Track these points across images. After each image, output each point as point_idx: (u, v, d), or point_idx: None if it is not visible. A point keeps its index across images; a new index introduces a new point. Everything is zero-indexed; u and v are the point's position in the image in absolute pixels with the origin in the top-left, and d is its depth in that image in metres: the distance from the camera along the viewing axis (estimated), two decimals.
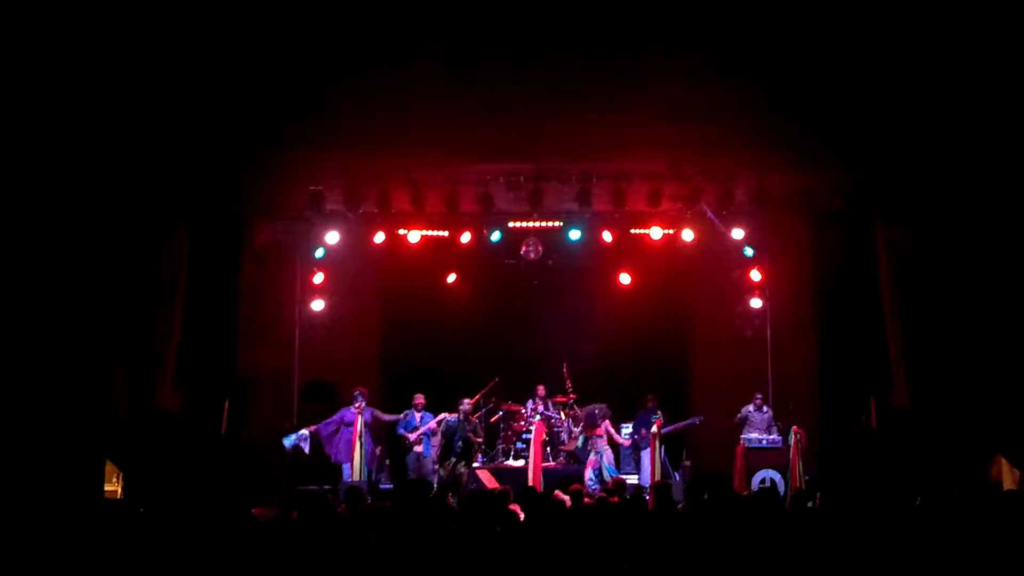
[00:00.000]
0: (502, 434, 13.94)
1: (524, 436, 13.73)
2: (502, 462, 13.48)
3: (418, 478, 12.39)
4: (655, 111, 9.13)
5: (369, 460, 12.93)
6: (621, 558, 6.12)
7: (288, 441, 12.61)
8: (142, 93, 8.27)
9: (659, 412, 13.62)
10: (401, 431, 13.27)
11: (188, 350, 11.27)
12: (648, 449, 13.35)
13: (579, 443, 12.98)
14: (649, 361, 14.40)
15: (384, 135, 9.95)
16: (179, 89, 8.25)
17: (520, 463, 13.27)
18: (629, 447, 14.04)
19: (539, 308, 14.44)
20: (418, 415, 13.38)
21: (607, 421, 12.98)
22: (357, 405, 12.82)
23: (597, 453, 12.85)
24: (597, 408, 13.04)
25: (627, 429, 14.04)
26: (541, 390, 14.09)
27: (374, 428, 13.18)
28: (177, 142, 9.41)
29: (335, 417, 12.94)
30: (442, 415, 12.96)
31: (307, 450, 12.74)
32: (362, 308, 14.14)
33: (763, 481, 12.47)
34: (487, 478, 13.08)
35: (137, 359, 10.83)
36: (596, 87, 8.56)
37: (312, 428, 12.79)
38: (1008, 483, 10.68)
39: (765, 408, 13.30)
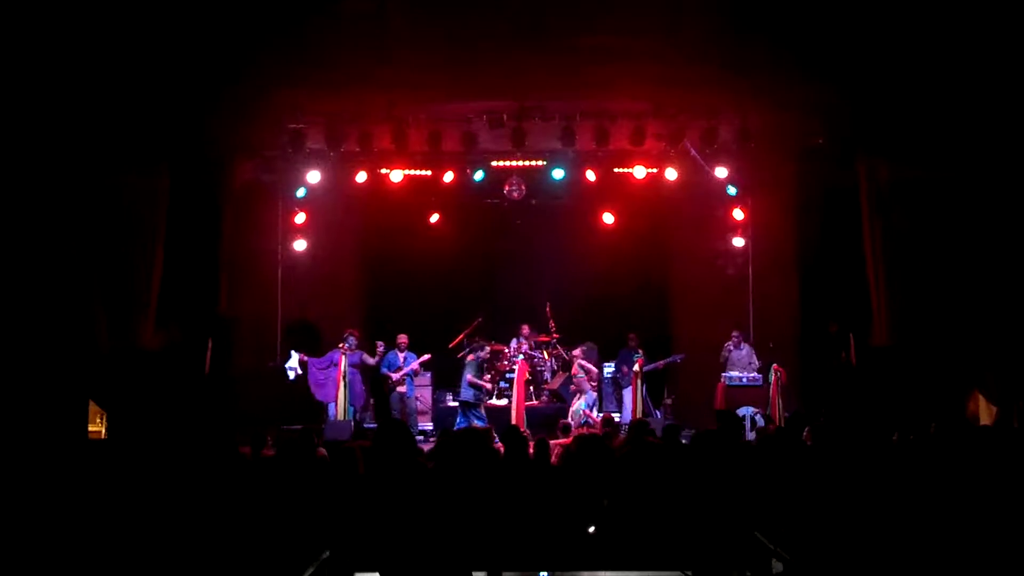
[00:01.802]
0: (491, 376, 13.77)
1: (508, 375, 13.69)
2: (486, 401, 13.34)
3: (401, 418, 12.47)
4: (638, 47, 9.21)
5: (355, 400, 12.78)
6: (602, 493, 6.11)
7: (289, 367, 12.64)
8: (117, 26, 8.30)
9: (640, 351, 13.59)
10: (384, 371, 13.17)
11: (170, 290, 11.22)
12: (630, 387, 13.37)
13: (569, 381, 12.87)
14: (632, 300, 14.30)
15: (364, 70, 9.93)
16: (155, 20, 8.25)
17: (504, 402, 13.21)
18: (610, 385, 14.04)
19: (522, 248, 14.39)
20: (401, 355, 13.32)
21: (582, 358, 12.91)
22: (342, 346, 12.69)
23: (581, 392, 12.80)
24: (587, 345, 13.09)
25: (609, 368, 14.04)
26: (525, 329, 14.02)
27: (365, 370, 13.09)
28: (154, 78, 9.36)
29: (327, 357, 12.88)
30: (425, 356, 13.07)
31: (291, 376, 12.76)
32: (344, 248, 14.02)
33: (742, 419, 12.30)
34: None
35: (119, 299, 10.82)
36: (578, 22, 8.65)
37: (303, 357, 12.73)
38: (984, 419, 10.78)
39: (743, 346, 13.25)
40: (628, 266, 14.28)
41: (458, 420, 12.52)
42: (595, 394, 12.77)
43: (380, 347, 12.97)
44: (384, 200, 13.69)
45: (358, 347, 12.99)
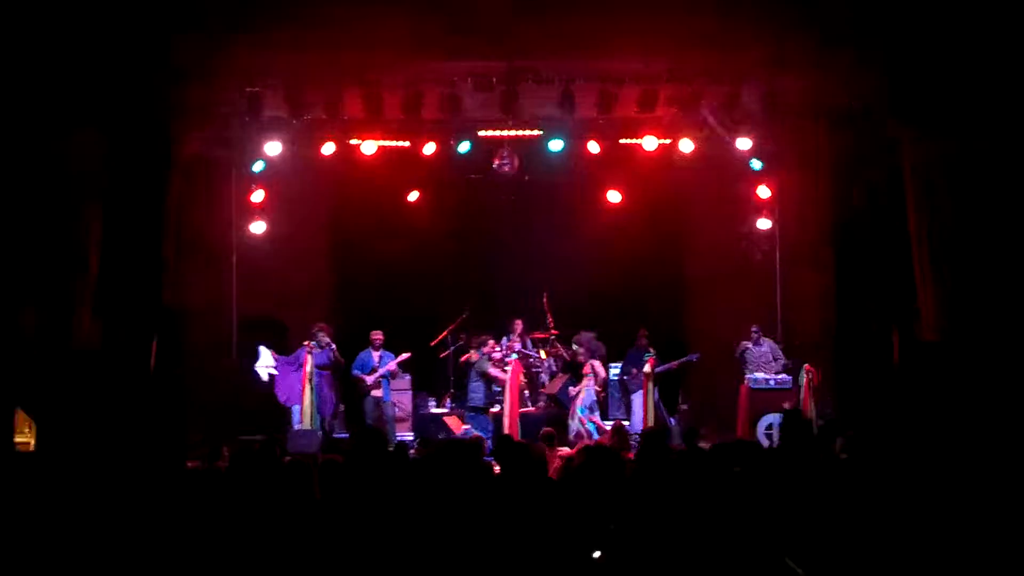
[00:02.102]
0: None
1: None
2: (495, 407, 13.33)
3: (376, 426, 12.42)
4: None
5: (322, 406, 12.82)
6: (609, 516, 5.99)
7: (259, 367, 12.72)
8: None
9: (652, 349, 13.58)
10: (356, 372, 13.16)
11: (109, 279, 11.01)
12: (640, 392, 13.37)
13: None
14: (641, 292, 14.35)
15: (333, 25, 9.84)
16: None
17: (495, 409, 13.12)
18: (617, 389, 14.13)
19: (515, 231, 14.43)
20: (375, 354, 13.26)
21: (586, 353, 13.00)
22: (308, 344, 12.67)
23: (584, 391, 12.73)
24: (589, 336, 13.08)
25: (615, 369, 14.04)
26: (518, 325, 13.99)
27: (335, 371, 13.17)
28: (88, 25, 9.12)
29: (292, 356, 12.95)
30: (404, 355, 13.04)
31: (265, 377, 12.92)
32: (309, 231, 14.05)
33: (769, 427, 12.34)
34: (456, 425, 13.22)
35: (49, 290, 10.59)
36: None
37: (274, 355, 12.82)
38: None
39: (764, 341, 13.25)
40: (637, 252, 14.33)
41: (467, 427, 12.66)
42: (595, 395, 12.82)
43: (309, 346, 12.71)
44: (355, 175, 13.70)
45: (327, 344, 12.95)
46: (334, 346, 12.97)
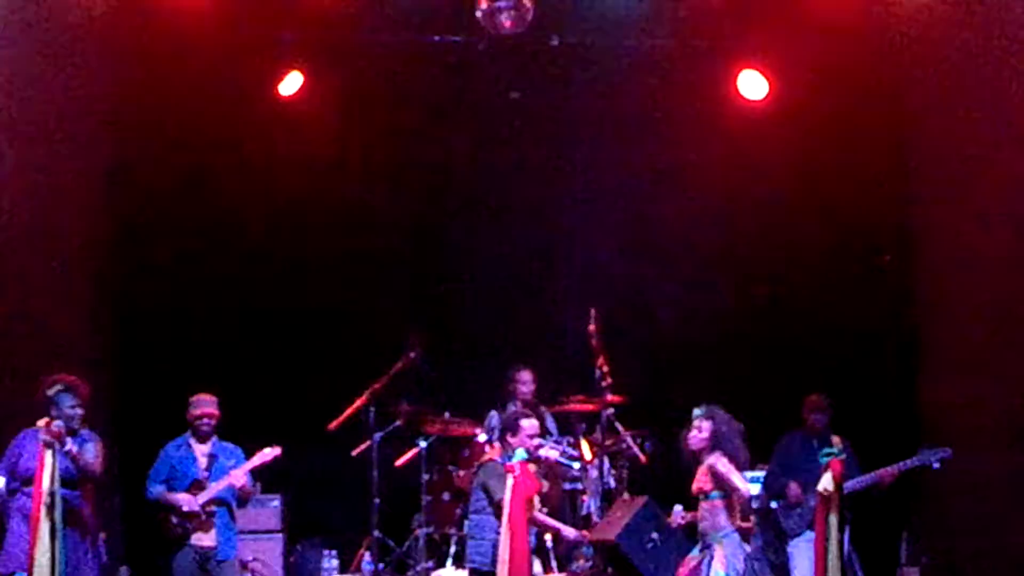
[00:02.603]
0: (429, 501, 11.89)
1: (479, 505, 10.77)
2: (426, 571, 11.49)
3: None
4: None
5: (80, 569, 10.29)
6: None
7: None
8: None
9: (837, 440, 11.12)
10: (156, 491, 10.70)
11: None
12: (806, 535, 11.09)
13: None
14: (810, 302, 12.66)
15: None
16: None
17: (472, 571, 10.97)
18: (759, 528, 11.51)
19: (524, 173, 12.77)
20: (201, 449, 10.88)
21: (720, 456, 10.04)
22: (45, 423, 9.87)
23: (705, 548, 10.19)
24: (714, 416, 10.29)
25: (753, 485, 11.14)
26: (521, 382, 11.84)
27: (103, 488, 11.06)
28: None
29: (8, 454, 10.56)
30: (268, 451, 10.79)
31: None
32: (60, 168, 11.64)
33: None
34: None
35: None
36: None
37: None
38: None
39: None
40: (803, 214, 12.43)
41: None
42: (739, 548, 10.21)
43: (48, 430, 10.09)
44: (160, 46, 11.98)
45: (75, 424, 10.37)
46: (91, 438, 10.34)
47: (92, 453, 10.31)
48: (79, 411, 10.27)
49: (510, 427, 10.52)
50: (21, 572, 9.94)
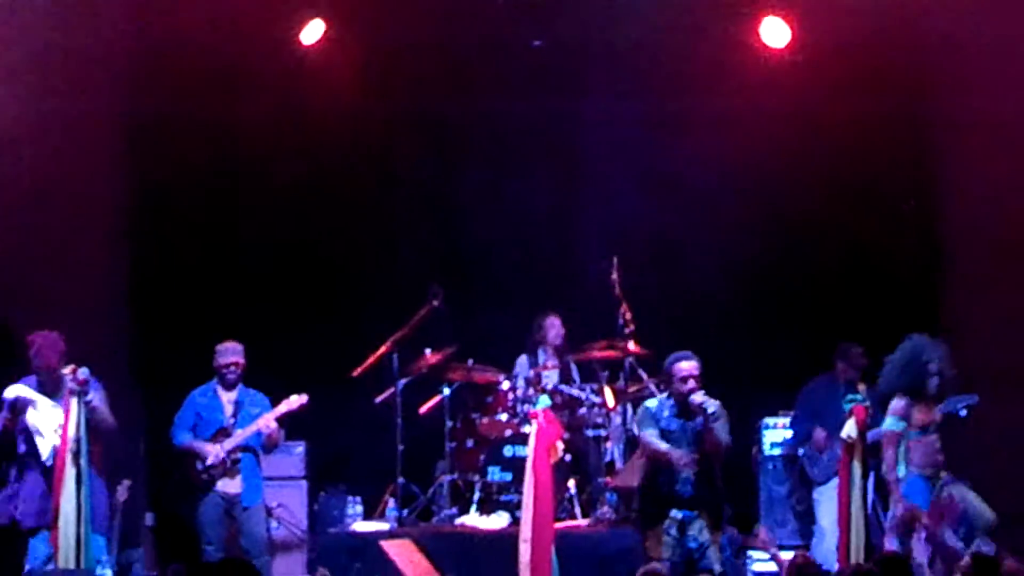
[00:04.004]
0: (453, 448, 12.06)
1: (506, 451, 11.85)
2: (450, 518, 11.71)
3: (234, 557, 10.64)
4: None
5: (102, 518, 10.76)
6: None
7: None
8: None
9: (863, 388, 11.51)
10: (183, 440, 10.97)
11: None
12: (831, 481, 11.29)
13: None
14: (834, 249, 12.76)
15: None
16: None
17: (499, 520, 11.51)
18: (783, 475, 12.31)
19: (545, 115, 12.81)
20: (227, 396, 11.07)
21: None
22: (75, 372, 10.11)
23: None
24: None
25: (775, 431, 12.21)
26: (551, 328, 12.19)
27: (113, 439, 10.97)
28: None
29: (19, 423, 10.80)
30: (294, 398, 10.98)
31: (46, 457, 10.75)
32: (84, 118, 11.80)
33: None
34: (407, 557, 11.20)
35: None
36: None
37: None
38: None
39: None
40: (826, 165, 12.45)
41: None
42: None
43: (75, 376, 10.44)
44: None
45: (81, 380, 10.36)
46: (94, 385, 10.36)
47: (102, 403, 10.44)
48: (88, 383, 10.27)
49: (665, 370, 10.54)
50: (40, 525, 10.29)
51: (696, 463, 10.52)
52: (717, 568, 10.54)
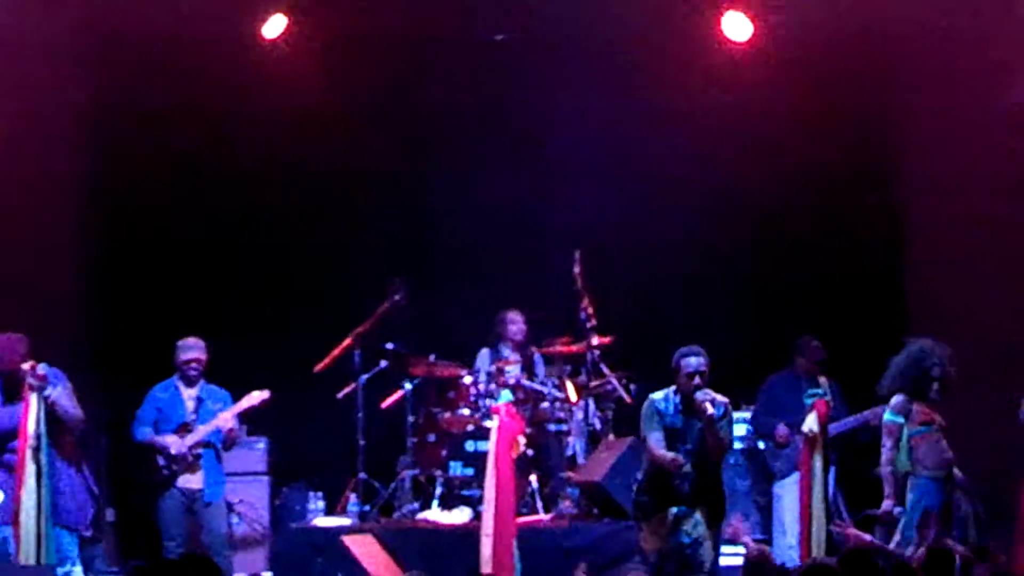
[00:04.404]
0: (415, 443, 12.11)
1: (468, 446, 11.90)
2: (411, 513, 11.74)
3: (195, 554, 10.02)
4: None
5: (70, 514, 10.44)
6: None
7: None
8: None
9: (825, 380, 11.37)
10: (144, 435, 10.97)
11: None
12: (792, 476, 11.39)
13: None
14: (796, 242, 12.80)
15: None
16: None
17: (461, 515, 11.59)
18: (745, 468, 12.26)
19: (508, 109, 12.87)
20: (189, 393, 11.13)
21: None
22: (34, 368, 10.11)
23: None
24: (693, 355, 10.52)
25: (737, 425, 11.58)
26: (512, 323, 12.25)
27: (79, 433, 10.71)
28: None
29: None
30: (255, 394, 11.10)
31: None
32: (44, 106, 11.79)
33: None
34: (369, 552, 11.22)
35: None
36: None
37: None
38: None
39: None
40: (788, 155, 12.46)
41: None
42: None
43: (32, 372, 10.46)
44: None
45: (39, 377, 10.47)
46: (59, 378, 10.29)
47: (67, 397, 10.21)
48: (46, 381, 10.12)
49: (674, 365, 10.43)
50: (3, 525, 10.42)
51: (697, 461, 10.48)
52: (707, 565, 10.53)
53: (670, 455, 10.09)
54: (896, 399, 10.60)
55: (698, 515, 10.33)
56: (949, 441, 11.38)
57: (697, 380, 10.03)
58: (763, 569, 8.92)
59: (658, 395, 10.50)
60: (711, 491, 10.41)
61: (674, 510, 10.33)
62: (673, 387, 10.46)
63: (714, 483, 10.42)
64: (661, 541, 10.44)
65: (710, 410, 10.00)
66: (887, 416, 10.69)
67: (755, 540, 10.96)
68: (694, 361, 10.09)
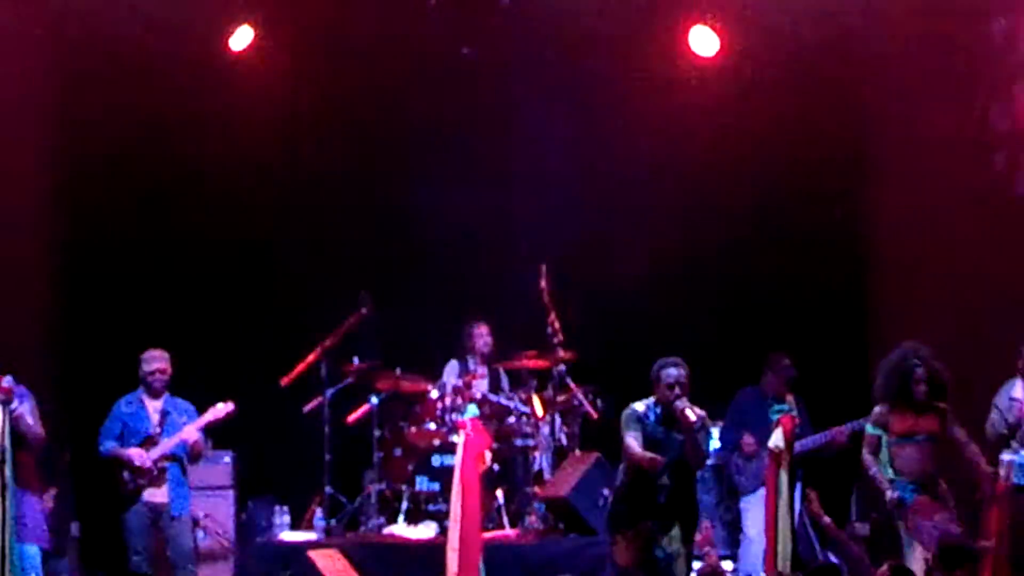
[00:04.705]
0: (381, 457, 12.11)
1: (434, 460, 11.88)
2: (378, 527, 11.72)
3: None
4: None
5: (29, 532, 10.40)
6: None
7: None
8: None
9: (791, 398, 11.60)
10: (108, 448, 10.92)
11: None
12: (756, 493, 11.30)
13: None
14: (762, 263, 12.77)
15: None
16: None
17: (427, 530, 11.56)
18: (711, 484, 12.23)
19: (475, 122, 12.91)
20: (153, 405, 11.03)
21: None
22: None
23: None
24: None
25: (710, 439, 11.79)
26: (479, 336, 12.30)
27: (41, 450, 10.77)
28: None
29: None
30: (218, 408, 11.07)
31: None
32: (10, 118, 11.82)
33: None
34: (335, 567, 11.19)
35: None
36: None
37: None
38: None
39: None
40: (757, 168, 12.55)
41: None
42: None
43: None
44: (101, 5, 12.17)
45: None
46: (24, 395, 10.24)
47: (30, 413, 10.41)
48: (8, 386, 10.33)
49: (653, 376, 10.40)
50: None
51: (675, 473, 10.37)
52: None
53: (648, 454, 9.97)
54: (876, 409, 10.56)
55: (675, 530, 10.30)
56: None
57: (677, 391, 9.92)
58: None
59: (639, 405, 10.39)
60: (687, 506, 10.36)
61: (650, 524, 10.25)
62: (652, 398, 10.38)
63: (690, 498, 10.37)
64: (636, 555, 10.30)
65: (692, 417, 9.92)
66: (867, 427, 10.71)
67: (720, 555, 11.14)
68: (674, 372, 10.02)
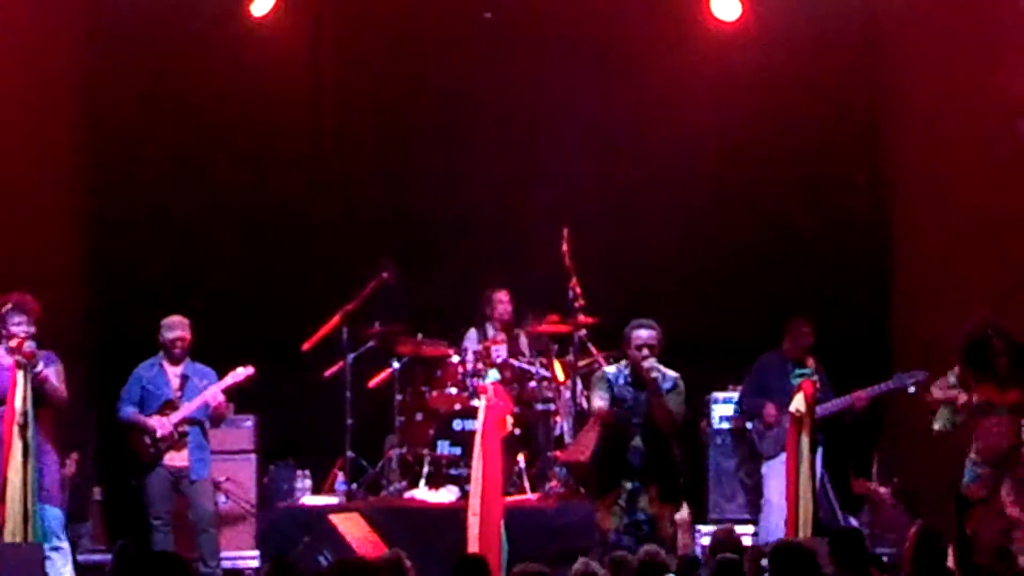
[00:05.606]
0: (402, 422, 12.08)
1: (455, 425, 11.94)
2: (399, 491, 11.75)
3: (168, 552, 10.16)
4: None
5: (51, 495, 10.57)
6: None
7: None
8: None
9: (811, 363, 11.32)
10: (128, 413, 10.93)
11: None
12: (779, 458, 11.12)
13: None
14: (785, 223, 12.73)
15: None
16: None
17: (448, 494, 11.61)
18: (731, 447, 12.18)
19: (497, 88, 12.84)
20: (174, 371, 11.10)
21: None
22: (21, 346, 10.17)
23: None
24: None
25: (724, 406, 12.20)
26: (500, 302, 12.28)
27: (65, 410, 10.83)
28: None
29: None
30: (238, 372, 11.08)
31: None
32: (37, 91, 11.79)
33: None
34: (358, 532, 11.33)
35: None
36: None
37: None
38: None
39: None
40: (778, 139, 12.57)
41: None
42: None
43: (19, 346, 10.34)
44: None
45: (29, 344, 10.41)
46: (51, 360, 10.32)
47: (55, 375, 10.37)
48: (28, 329, 10.30)
49: (624, 337, 10.41)
50: None
51: (647, 434, 10.37)
52: (668, 542, 10.46)
53: (598, 404, 9.96)
54: (945, 377, 10.55)
55: (653, 491, 10.26)
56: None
57: (645, 352, 9.92)
58: (728, 548, 9.04)
59: (610, 368, 10.55)
60: (663, 467, 10.34)
61: (628, 485, 10.28)
62: (624, 360, 10.46)
63: (666, 459, 10.35)
64: (617, 520, 10.41)
65: (653, 373, 9.91)
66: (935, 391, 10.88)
67: (743, 520, 11.72)
68: (644, 334, 9.99)
